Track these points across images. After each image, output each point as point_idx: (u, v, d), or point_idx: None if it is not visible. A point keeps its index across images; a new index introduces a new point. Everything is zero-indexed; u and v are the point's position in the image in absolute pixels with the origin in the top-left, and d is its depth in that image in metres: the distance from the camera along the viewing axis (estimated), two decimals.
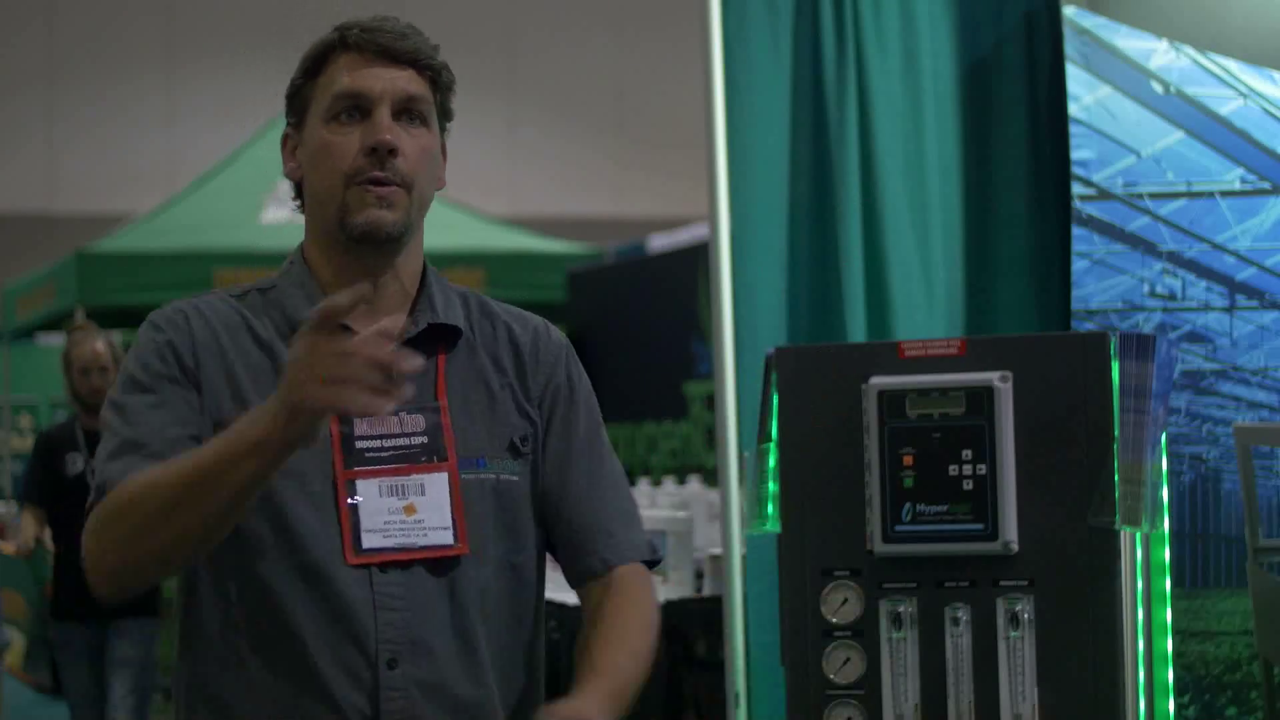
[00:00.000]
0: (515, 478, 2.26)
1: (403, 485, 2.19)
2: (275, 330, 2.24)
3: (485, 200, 14.64)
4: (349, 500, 2.17)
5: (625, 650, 2.21)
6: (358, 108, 2.21)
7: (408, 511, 2.19)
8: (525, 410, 2.30)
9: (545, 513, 2.29)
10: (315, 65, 2.25)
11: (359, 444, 2.19)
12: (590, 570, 2.28)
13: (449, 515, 2.20)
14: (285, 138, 2.30)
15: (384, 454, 2.20)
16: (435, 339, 2.26)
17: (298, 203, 2.31)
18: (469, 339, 2.30)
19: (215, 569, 2.19)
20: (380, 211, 2.19)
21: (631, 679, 2.18)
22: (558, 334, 2.37)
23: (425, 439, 2.21)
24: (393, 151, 2.19)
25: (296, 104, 2.27)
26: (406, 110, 2.22)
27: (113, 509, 2.09)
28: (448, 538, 2.19)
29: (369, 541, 2.16)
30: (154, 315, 2.25)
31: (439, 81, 2.27)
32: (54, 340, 13.50)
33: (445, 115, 2.29)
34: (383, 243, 2.22)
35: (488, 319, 2.34)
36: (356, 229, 2.20)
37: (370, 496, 2.18)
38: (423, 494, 2.20)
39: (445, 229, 10.37)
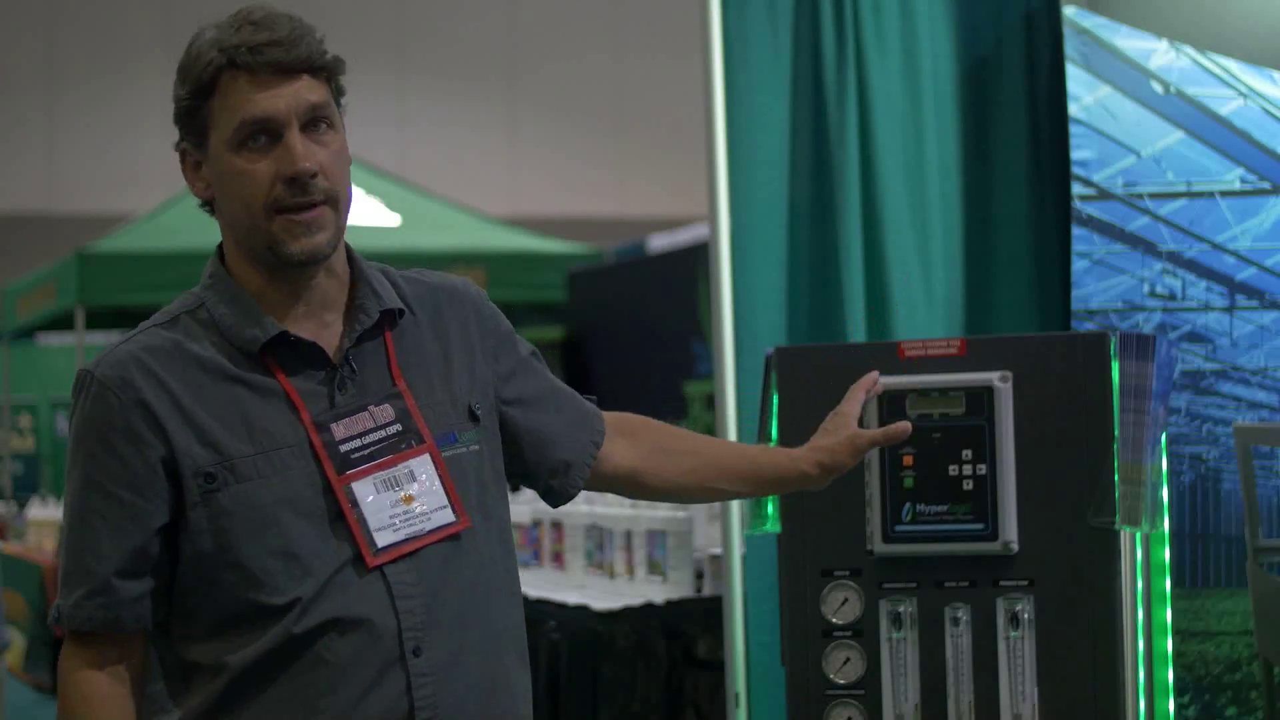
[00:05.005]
0: (478, 446, 2.30)
1: (394, 477, 2.22)
2: (218, 350, 2.21)
3: (485, 200, 14.64)
4: (351, 505, 2.18)
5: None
6: (265, 131, 2.16)
7: (406, 501, 2.21)
8: (479, 368, 2.34)
9: (531, 442, 2.40)
10: (206, 86, 2.17)
11: (342, 448, 2.20)
12: (595, 443, 2.47)
13: (443, 494, 2.23)
14: (184, 154, 2.24)
15: (368, 451, 2.21)
16: (380, 323, 2.27)
17: (208, 209, 2.27)
18: (410, 314, 2.31)
19: (219, 607, 2.18)
20: (313, 238, 2.17)
21: None
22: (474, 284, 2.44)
23: (399, 426, 2.24)
24: (314, 175, 2.16)
25: (194, 125, 2.20)
26: (313, 119, 2.19)
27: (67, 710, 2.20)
28: (448, 515, 2.23)
29: (382, 539, 2.18)
30: (101, 378, 2.18)
31: (334, 75, 2.22)
32: (54, 340, 13.51)
33: (340, 94, 2.25)
34: (320, 262, 2.21)
35: (419, 287, 2.36)
36: (294, 258, 2.18)
37: (369, 496, 2.19)
38: (414, 480, 2.22)
39: (445, 229, 10.35)
